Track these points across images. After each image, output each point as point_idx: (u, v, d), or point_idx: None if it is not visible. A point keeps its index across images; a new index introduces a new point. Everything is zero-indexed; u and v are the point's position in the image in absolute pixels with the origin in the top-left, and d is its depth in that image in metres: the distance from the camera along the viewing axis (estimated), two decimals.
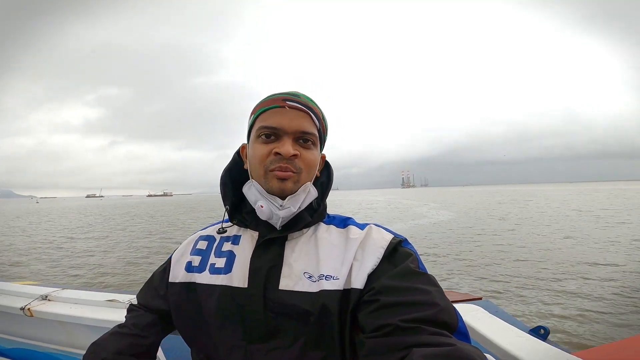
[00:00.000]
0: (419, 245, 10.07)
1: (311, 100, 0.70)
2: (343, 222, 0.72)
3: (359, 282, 0.59)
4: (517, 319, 1.42)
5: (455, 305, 1.12)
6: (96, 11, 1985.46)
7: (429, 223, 16.88)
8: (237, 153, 0.77)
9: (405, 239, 0.67)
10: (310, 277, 0.62)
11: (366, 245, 0.63)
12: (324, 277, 0.61)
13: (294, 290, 0.61)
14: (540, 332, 1.18)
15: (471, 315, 1.18)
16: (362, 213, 25.59)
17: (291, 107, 0.66)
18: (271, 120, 0.66)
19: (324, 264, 0.63)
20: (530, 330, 1.21)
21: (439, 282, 0.58)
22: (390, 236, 0.65)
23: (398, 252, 0.62)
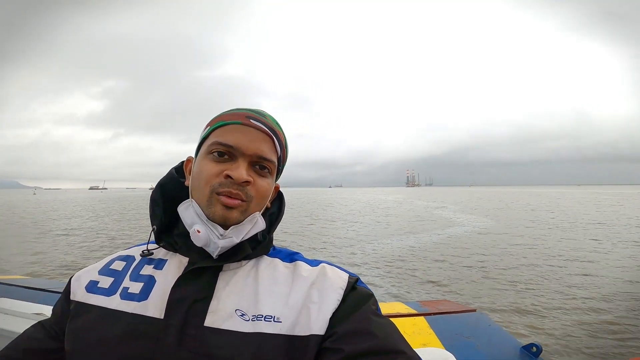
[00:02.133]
0: (505, 272, 7.52)
1: (277, 124, 0.64)
2: (290, 257, 0.64)
3: (318, 327, 0.52)
4: (511, 333, 1.24)
5: (449, 316, 1.35)
6: (104, 2, 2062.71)
7: (470, 232, 13.97)
8: (177, 167, 0.69)
9: (359, 278, 0.61)
10: (242, 315, 0.53)
11: (323, 285, 0.57)
12: (262, 318, 0.52)
13: (221, 328, 0.51)
14: (532, 350, 1.12)
15: (464, 328, 1.20)
16: (373, 216, 22.77)
17: (254, 127, 0.59)
18: (229, 137, 0.58)
19: (263, 302, 0.54)
20: (522, 347, 1.14)
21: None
22: (346, 275, 0.60)
23: (357, 292, 0.58)
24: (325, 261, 0.64)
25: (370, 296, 0.58)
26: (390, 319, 0.55)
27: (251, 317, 0.52)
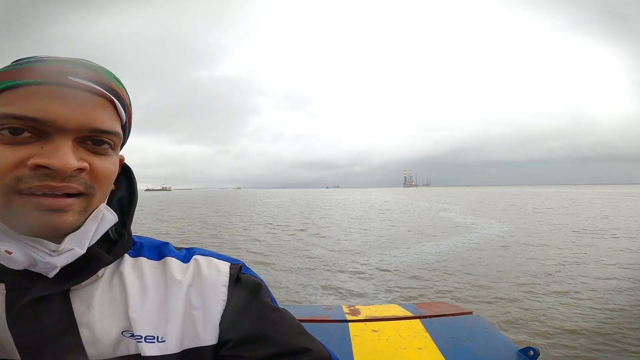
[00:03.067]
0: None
1: (115, 78, 0.43)
2: (157, 251, 0.51)
3: (209, 337, 0.45)
4: (507, 336, 1.24)
5: (445, 318, 1.38)
6: None
7: (490, 237, 12.35)
8: None
9: (243, 264, 0.52)
10: (132, 335, 0.43)
11: (202, 285, 0.47)
12: (142, 339, 0.42)
13: (130, 354, 0.42)
14: (529, 354, 1.10)
15: (460, 331, 1.21)
16: (377, 219, 21.12)
17: (79, 88, 0.38)
18: (30, 105, 0.36)
19: (139, 320, 0.43)
20: (519, 350, 1.12)
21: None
22: (226, 265, 0.50)
23: (244, 284, 0.49)
24: (197, 249, 0.52)
25: (259, 286, 0.50)
26: (385, 322, 0.46)
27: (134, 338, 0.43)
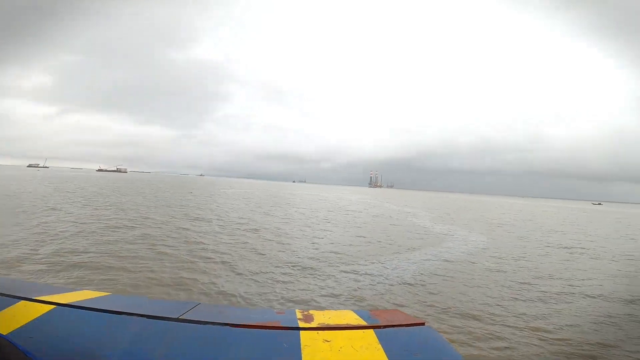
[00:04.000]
0: None
1: None
2: None
3: None
4: (456, 349, 1.21)
5: (398, 329, 1.31)
6: None
7: (462, 250, 10.88)
8: None
9: None
10: None
11: None
12: None
13: None
14: None
15: (412, 344, 1.20)
16: (353, 221, 19.29)
17: None
18: None
19: None
20: None
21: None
22: None
23: None
24: None
25: None
26: (338, 331, 0.48)
27: None
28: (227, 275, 6.89)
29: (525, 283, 7.61)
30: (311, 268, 7.79)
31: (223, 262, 7.86)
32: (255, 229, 13.04)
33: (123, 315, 1.31)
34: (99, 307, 1.36)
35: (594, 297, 6.92)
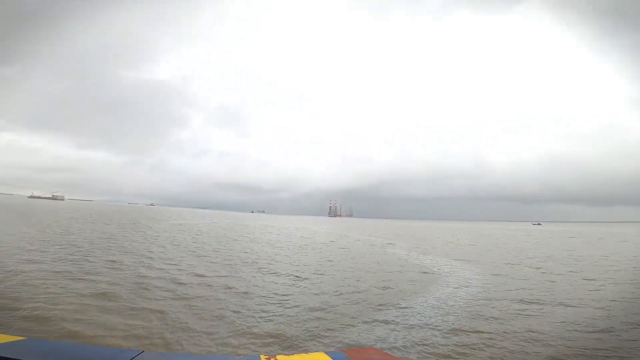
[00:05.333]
0: None
1: None
2: None
3: None
4: None
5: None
6: None
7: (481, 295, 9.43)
8: None
9: None
10: None
11: None
12: None
13: None
14: None
15: None
16: (324, 254, 17.25)
17: None
18: None
19: None
20: None
21: None
22: None
23: None
24: None
25: None
26: None
27: None
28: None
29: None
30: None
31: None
32: (201, 275, 10.56)
33: None
34: (10, 356, 1.18)
35: None
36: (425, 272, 13.18)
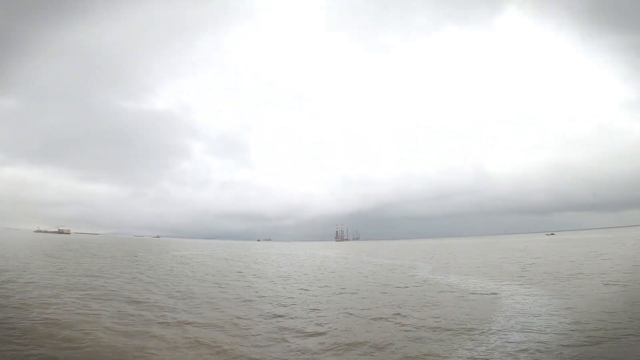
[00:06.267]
0: None
1: None
2: None
3: None
4: None
5: None
6: None
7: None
8: None
9: None
10: None
11: None
12: None
13: None
14: None
15: None
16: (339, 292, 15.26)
17: None
18: None
19: None
20: None
21: None
22: None
23: None
24: None
25: None
26: None
27: None
28: None
29: None
30: None
31: None
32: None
33: None
34: None
35: None
36: (500, 313, 11.16)
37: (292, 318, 9.07)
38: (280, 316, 9.24)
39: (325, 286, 14.76)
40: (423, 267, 22.59)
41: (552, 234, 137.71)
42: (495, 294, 11.90)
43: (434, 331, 7.63)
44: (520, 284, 13.57)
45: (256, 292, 13.08)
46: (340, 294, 12.79)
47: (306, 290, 13.59)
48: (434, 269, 20.30)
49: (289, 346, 6.84)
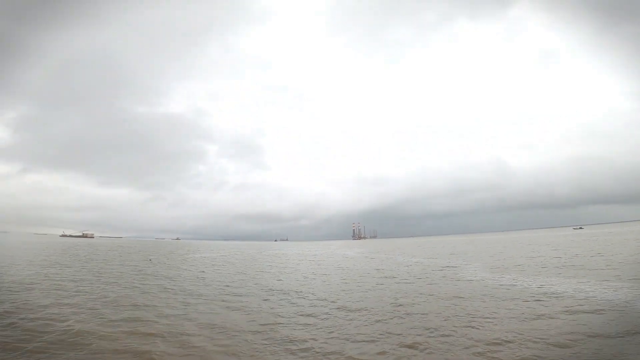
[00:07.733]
0: None
1: None
2: None
3: None
4: None
5: None
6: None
7: None
8: None
9: None
10: None
11: None
12: None
13: None
14: None
15: None
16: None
17: None
18: None
19: None
20: None
21: None
22: None
23: None
24: None
25: None
26: None
27: None
28: None
29: None
30: None
31: None
32: None
33: None
34: None
35: None
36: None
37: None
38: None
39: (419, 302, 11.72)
40: (473, 267, 19.09)
41: (580, 228, 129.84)
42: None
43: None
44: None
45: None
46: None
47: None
48: (489, 269, 16.80)
49: None
